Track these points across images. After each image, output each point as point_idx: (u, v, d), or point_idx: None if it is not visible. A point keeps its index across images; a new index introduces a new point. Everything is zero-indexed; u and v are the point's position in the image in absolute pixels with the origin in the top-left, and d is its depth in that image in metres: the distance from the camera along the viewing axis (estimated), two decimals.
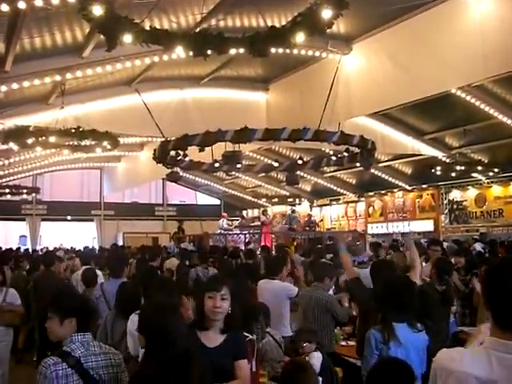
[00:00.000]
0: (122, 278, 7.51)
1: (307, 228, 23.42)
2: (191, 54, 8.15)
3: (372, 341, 4.36)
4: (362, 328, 5.84)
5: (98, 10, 6.81)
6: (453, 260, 9.68)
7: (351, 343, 7.08)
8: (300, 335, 5.85)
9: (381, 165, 23.51)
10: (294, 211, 25.07)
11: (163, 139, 12.01)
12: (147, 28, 7.76)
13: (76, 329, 3.59)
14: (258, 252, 14.21)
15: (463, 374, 2.19)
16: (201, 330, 4.00)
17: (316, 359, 5.36)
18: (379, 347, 4.32)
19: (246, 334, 4.67)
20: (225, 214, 25.03)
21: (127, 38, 7.35)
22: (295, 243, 19.08)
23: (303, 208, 30.58)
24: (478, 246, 15.29)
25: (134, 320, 5.21)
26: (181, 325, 3.51)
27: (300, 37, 7.84)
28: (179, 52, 8.46)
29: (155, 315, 3.50)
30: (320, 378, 4.82)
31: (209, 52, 8.07)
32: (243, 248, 16.91)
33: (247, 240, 20.13)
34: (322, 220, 28.55)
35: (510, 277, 2.17)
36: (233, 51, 8.62)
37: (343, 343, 7.28)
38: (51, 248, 24.08)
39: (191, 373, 2.94)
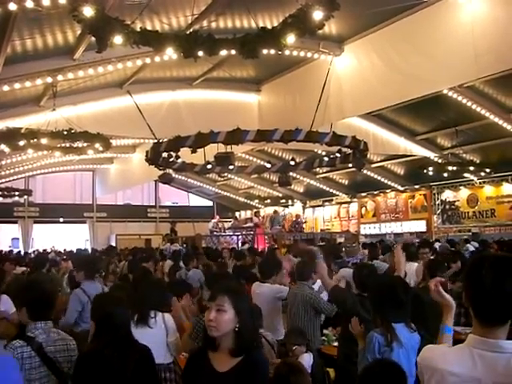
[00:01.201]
0: (95, 279, 7.49)
1: (292, 229, 23.37)
2: (182, 55, 8.15)
3: (375, 345, 4.29)
4: (344, 332, 5.85)
5: (88, 11, 6.80)
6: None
7: None
8: (289, 338, 5.84)
9: (373, 165, 23.56)
10: (275, 212, 25.08)
11: (155, 141, 11.99)
12: (138, 29, 7.76)
13: (28, 317, 3.94)
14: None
15: (446, 372, 2.22)
16: (211, 350, 3.32)
17: (305, 360, 5.34)
18: (382, 350, 4.29)
19: None
20: (217, 217, 25.05)
21: (117, 40, 7.35)
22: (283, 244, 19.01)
23: (296, 209, 30.60)
24: (471, 247, 15.30)
25: None
26: (124, 313, 3.95)
27: (291, 38, 7.86)
28: (169, 53, 8.46)
29: (103, 305, 4.01)
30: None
31: (199, 53, 8.08)
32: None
33: (241, 241, 20.14)
34: (305, 222, 28.48)
35: (490, 273, 2.20)
36: (223, 53, 8.64)
37: (335, 344, 7.26)
38: (44, 251, 24.01)
39: (130, 352, 3.65)
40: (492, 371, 2.14)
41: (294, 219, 24.78)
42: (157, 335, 5.21)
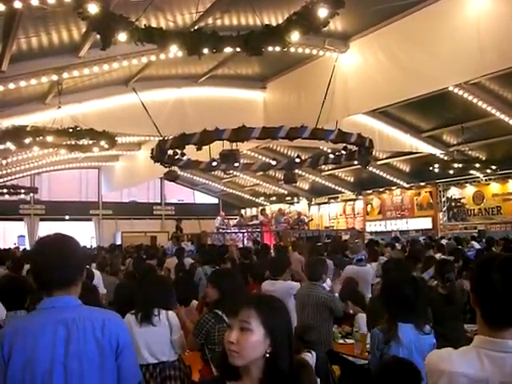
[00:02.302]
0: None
1: (296, 227, 23.31)
2: (186, 52, 8.16)
3: (375, 340, 4.35)
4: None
5: (93, 8, 6.80)
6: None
7: (349, 341, 7.09)
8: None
9: (379, 162, 23.52)
10: (280, 210, 25.04)
11: (161, 138, 12.01)
12: (142, 26, 7.76)
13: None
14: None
15: (454, 374, 2.20)
16: (230, 380, 2.45)
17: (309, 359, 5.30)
18: (380, 347, 4.30)
19: None
20: (222, 213, 25.03)
21: (122, 37, 7.36)
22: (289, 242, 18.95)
23: (301, 206, 30.60)
24: (476, 244, 15.27)
25: (129, 320, 5.24)
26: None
27: (295, 36, 7.85)
28: (174, 51, 8.46)
29: None
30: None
31: (204, 51, 8.08)
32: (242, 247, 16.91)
33: (246, 238, 20.13)
34: (311, 219, 28.44)
35: (499, 274, 2.18)
36: (227, 50, 8.64)
37: (341, 341, 7.27)
38: None
39: None
40: (499, 371, 2.12)
41: (297, 217, 24.75)
42: (161, 333, 5.22)
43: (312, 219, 28.90)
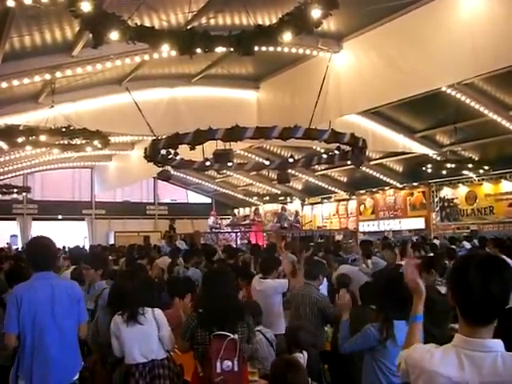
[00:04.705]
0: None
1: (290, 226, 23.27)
2: (178, 51, 8.15)
3: (370, 337, 4.35)
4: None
5: (86, 6, 6.77)
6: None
7: None
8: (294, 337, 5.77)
9: (372, 163, 23.56)
10: (284, 209, 24.98)
11: (154, 138, 11.98)
12: (133, 25, 7.74)
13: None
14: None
15: (435, 373, 2.24)
16: None
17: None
18: (374, 344, 4.31)
19: (226, 333, 4.60)
20: (214, 213, 25.01)
21: (114, 35, 7.33)
22: (284, 242, 18.95)
23: (295, 206, 30.60)
24: (468, 244, 15.31)
25: (116, 321, 5.25)
26: None
27: (287, 36, 7.84)
28: (165, 50, 8.45)
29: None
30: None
31: (195, 50, 8.07)
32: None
33: (239, 238, 20.12)
34: (310, 221, 28.43)
35: (475, 274, 2.22)
36: (219, 50, 8.63)
37: None
38: None
39: None
40: (478, 372, 2.18)
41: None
42: (148, 331, 5.22)
43: (311, 221, 28.98)
